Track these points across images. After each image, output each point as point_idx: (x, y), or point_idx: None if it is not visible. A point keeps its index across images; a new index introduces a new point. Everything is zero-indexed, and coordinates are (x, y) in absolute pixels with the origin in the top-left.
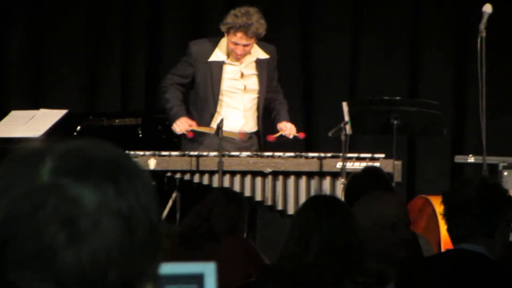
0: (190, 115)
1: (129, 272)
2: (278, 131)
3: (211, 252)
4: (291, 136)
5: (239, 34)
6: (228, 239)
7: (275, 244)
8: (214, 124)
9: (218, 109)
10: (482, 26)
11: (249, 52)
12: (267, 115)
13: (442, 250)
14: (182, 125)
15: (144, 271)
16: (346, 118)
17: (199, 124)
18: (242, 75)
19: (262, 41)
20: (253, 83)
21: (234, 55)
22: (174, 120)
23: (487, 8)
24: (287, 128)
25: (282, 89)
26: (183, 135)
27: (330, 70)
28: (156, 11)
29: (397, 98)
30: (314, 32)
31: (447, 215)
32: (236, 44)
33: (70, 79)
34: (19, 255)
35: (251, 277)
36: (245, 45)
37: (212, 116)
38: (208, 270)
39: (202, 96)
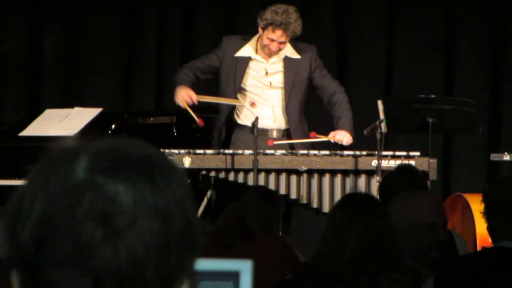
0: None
1: (166, 269)
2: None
3: (247, 250)
4: (343, 142)
5: (278, 32)
6: (264, 237)
7: (311, 242)
8: (243, 120)
9: (246, 105)
10: None
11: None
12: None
13: (478, 248)
14: (183, 96)
15: (181, 268)
16: (381, 116)
17: (222, 122)
18: (266, 73)
19: (301, 43)
20: (279, 80)
21: (267, 51)
22: (175, 87)
23: None
24: (340, 136)
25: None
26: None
27: (365, 68)
28: (190, 11)
29: (433, 96)
30: (350, 30)
31: (487, 213)
32: (272, 40)
33: (105, 78)
34: (57, 253)
35: (286, 274)
36: (281, 43)
37: (232, 109)
38: (244, 267)
39: (224, 90)
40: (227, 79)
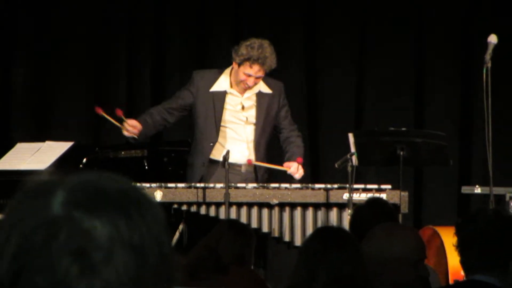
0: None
1: None
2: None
3: (219, 284)
4: (295, 176)
5: (255, 67)
6: (236, 270)
7: (282, 275)
8: (215, 155)
9: (221, 140)
10: (488, 56)
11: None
12: (281, 153)
13: (450, 281)
14: (125, 127)
15: None
16: (353, 149)
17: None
18: (243, 107)
19: (269, 78)
20: (252, 115)
21: (243, 86)
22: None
23: (492, 39)
24: (296, 172)
25: (295, 125)
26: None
27: (336, 101)
28: (160, 42)
29: (403, 129)
30: (320, 63)
31: (460, 247)
32: (249, 76)
33: (76, 111)
34: (33, 286)
35: None
36: (257, 77)
37: (213, 145)
38: None
39: (201, 126)
40: (205, 115)
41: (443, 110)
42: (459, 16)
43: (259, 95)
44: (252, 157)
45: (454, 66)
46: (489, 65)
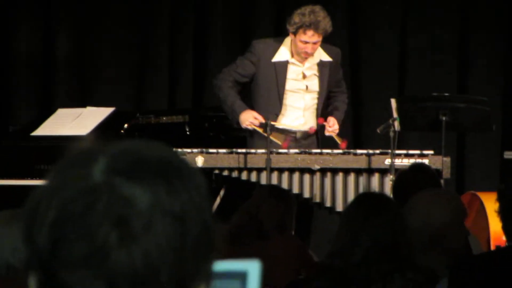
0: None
1: (182, 272)
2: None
3: (260, 250)
4: (327, 133)
5: (309, 32)
6: (277, 237)
7: (324, 240)
8: (278, 125)
9: (283, 109)
10: None
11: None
12: (324, 108)
13: (492, 247)
14: (249, 118)
15: (197, 271)
16: (395, 114)
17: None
18: (304, 76)
19: (327, 44)
20: (315, 84)
21: (303, 55)
22: (239, 113)
23: None
24: (331, 125)
25: (346, 89)
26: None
27: (378, 67)
28: (203, 10)
29: (446, 94)
30: (363, 29)
31: (502, 212)
32: (306, 42)
33: (117, 77)
34: (71, 255)
35: (300, 274)
36: (314, 43)
37: (277, 116)
38: (252, 268)
39: (265, 97)
40: (268, 85)
41: (485, 75)
42: None
43: (320, 64)
44: (310, 124)
45: (497, 31)
46: None
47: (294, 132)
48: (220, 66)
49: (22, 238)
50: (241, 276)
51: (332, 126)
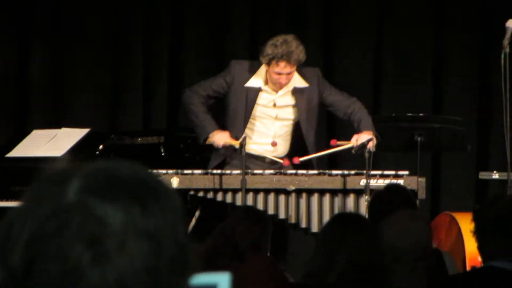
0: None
1: None
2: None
3: (236, 271)
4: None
5: (282, 64)
6: (253, 257)
7: (299, 261)
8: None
9: (247, 131)
10: (506, 41)
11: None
12: (350, 125)
13: (467, 267)
14: (222, 139)
15: None
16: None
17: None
18: (274, 104)
19: (304, 67)
20: (287, 112)
21: (278, 86)
22: (208, 132)
23: (511, 24)
24: (359, 141)
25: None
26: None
27: (353, 87)
28: (177, 29)
29: (421, 114)
30: (337, 48)
31: (478, 233)
32: (279, 74)
33: (92, 98)
34: (45, 275)
35: None
36: (288, 73)
37: (237, 139)
38: (222, 280)
39: (231, 117)
40: (236, 107)
41: (460, 96)
42: (477, 1)
43: (295, 91)
44: (281, 151)
45: (472, 51)
46: (507, 50)
47: (263, 158)
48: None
49: None
50: None
51: (370, 143)
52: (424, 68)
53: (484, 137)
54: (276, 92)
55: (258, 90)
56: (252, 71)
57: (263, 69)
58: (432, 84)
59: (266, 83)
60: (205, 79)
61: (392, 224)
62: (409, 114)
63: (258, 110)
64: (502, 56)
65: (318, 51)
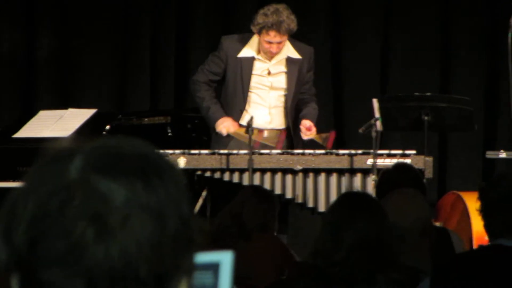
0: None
1: (160, 267)
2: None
3: (243, 250)
4: (305, 137)
5: (272, 33)
6: (260, 237)
7: (306, 241)
8: (243, 121)
9: (247, 105)
10: None
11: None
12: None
13: (474, 246)
14: (227, 127)
15: (177, 266)
16: (377, 114)
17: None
18: (269, 72)
19: (300, 42)
20: (281, 81)
21: (269, 54)
22: (215, 120)
23: None
24: (308, 127)
25: (315, 89)
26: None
27: (360, 67)
28: (184, 10)
29: (428, 94)
30: (345, 29)
31: (484, 211)
32: (270, 43)
33: (99, 79)
34: (49, 253)
35: (283, 274)
36: (279, 43)
37: (241, 112)
38: (225, 259)
39: (231, 92)
40: (234, 81)
41: (468, 75)
42: None
43: (289, 60)
44: (277, 122)
45: (479, 31)
46: None
47: (262, 130)
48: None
49: (0, 238)
50: (214, 268)
51: (310, 129)
52: (431, 48)
53: (491, 117)
54: (269, 60)
55: (252, 59)
56: (243, 42)
57: (254, 39)
58: (440, 64)
59: (259, 52)
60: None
61: (390, 204)
62: (416, 94)
63: (253, 80)
64: (509, 36)
65: (326, 31)
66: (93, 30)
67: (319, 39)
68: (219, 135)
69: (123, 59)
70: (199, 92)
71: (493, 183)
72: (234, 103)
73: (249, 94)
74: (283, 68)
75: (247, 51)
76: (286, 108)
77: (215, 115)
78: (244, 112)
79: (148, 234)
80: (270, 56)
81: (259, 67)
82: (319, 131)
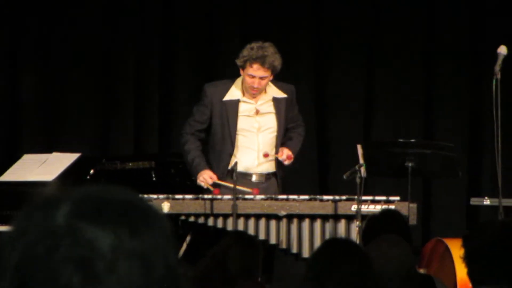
0: (209, 164)
1: None
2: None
3: None
4: (285, 162)
5: (255, 66)
6: (243, 283)
7: (289, 287)
8: (231, 166)
9: (235, 149)
10: (497, 67)
11: (264, 88)
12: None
13: None
14: (205, 180)
15: None
16: (361, 160)
17: (218, 170)
18: (257, 112)
19: (280, 82)
20: (270, 121)
21: (251, 90)
22: (197, 172)
23: (502, 50)
24: (283, 156)
25: (303, 122)
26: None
27: (344, 112)
28: (168, 53)
29: (412, 140)
30: (329, 74)
31: (467, 259)
32: (253, 77)
33: (83, 123)
34: None
35: None
36: (261, 78)
37: (230, 156)
38: None
39: (219, 137)
40: (221, 125)
41: (452, 122)
42: (468, 27)
43: (275, 100)
44: (266, 166)
45: (463, 77)
46: (499, 76)
47: (250, 175)
48: (186, 110)
49: None
50: None
51: (285, 158)
52: (415, 94)
53: (475, 163)
54: (255, 101)
55: (237, 101)
56: (227, 86)
57: (238, 82)
58: (423, 110)
59: (244, 94)
60: (195, 104)
61: (374, 251)
62: (401, 140)
63: (240, 121)
64: (494, 82)
65: (310, 75)
66: (76, 73)
67: (303, 83)
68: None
69: (106, 102)
70: (186, 145)
71: (476, 231)
72: (223, 148)
73: (237, 137)
74: (271, 108)
75: (231, 94)
76: (276, 146)
77: (197, 168)
78: (233, 157)
79: (134, 280)
80: (253, 94)
81: (245, 108)
82: (303, 174)
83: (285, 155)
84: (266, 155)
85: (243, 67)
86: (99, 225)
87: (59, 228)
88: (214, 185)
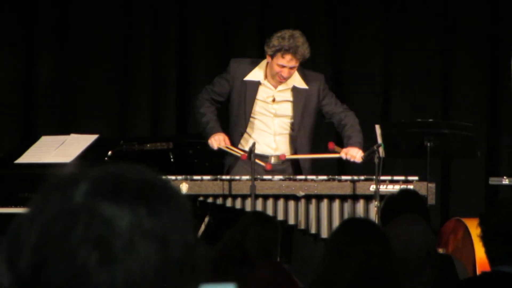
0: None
1: None
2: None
3: (245, 277)
4: (351, 159)
5: (287, 57)
6: (262, 263)
7: (308, 267)
8: (243, 145)
9: (249, 130)
10: None
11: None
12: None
13: (477, 272)
14: (218, 141)
15: None
16: (379, 140)
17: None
18: (274, 99)
19: (309, 70)
20: (286, 108)
21: (278, 78)
22: (210, 134)
23: None
24: (350, 155)
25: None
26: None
27: (362, 93)
28: (185, 35)
29: (430, 120)
30: (346, 55)
31: (484, 237)
32: (283, 66)
33: (101, 104)
34: (53, 278)
35: None
36: (291, 68)
37: (241, 135)
38: None
39: (234, 114)
40: (238, 104)
41: (470, 101)
42: (486, 6)
43: (294, 90)
44: (283, 150)
45: (481, 56)
46: None
47: (267, 157)
48: None
49: (4, 265)
50: None
51: (357, 156)
52: (433, 73)
53: (494, 143)
54: (275, 87)
55: (257, 84)
56: (251, 66)
57: (263, 64)
58: (442, 89)
59: (266, 77)
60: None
61: (392, 231)
62: (419, 120)
63: (258, 106)
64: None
65: (328, 56)
66: (93, 55)
67: (320, 64)
68: (237, 164)
69: (124, 84)
70: (201, 108)
71: (493, 209)
72: (235, 125)
73: (253, 120)
74: (288, 97)
75: (254, 75)
76: (291, 135)
77: (212, 131)
78: (246, 135)
79: (152, 259)
80: (278, 81)
81: (263, 93)
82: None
83: (358, 156)
84: (283, 157)
85: (273, 56)
86: (117, 203)
87: (76, 206)
88: (222, 150)
